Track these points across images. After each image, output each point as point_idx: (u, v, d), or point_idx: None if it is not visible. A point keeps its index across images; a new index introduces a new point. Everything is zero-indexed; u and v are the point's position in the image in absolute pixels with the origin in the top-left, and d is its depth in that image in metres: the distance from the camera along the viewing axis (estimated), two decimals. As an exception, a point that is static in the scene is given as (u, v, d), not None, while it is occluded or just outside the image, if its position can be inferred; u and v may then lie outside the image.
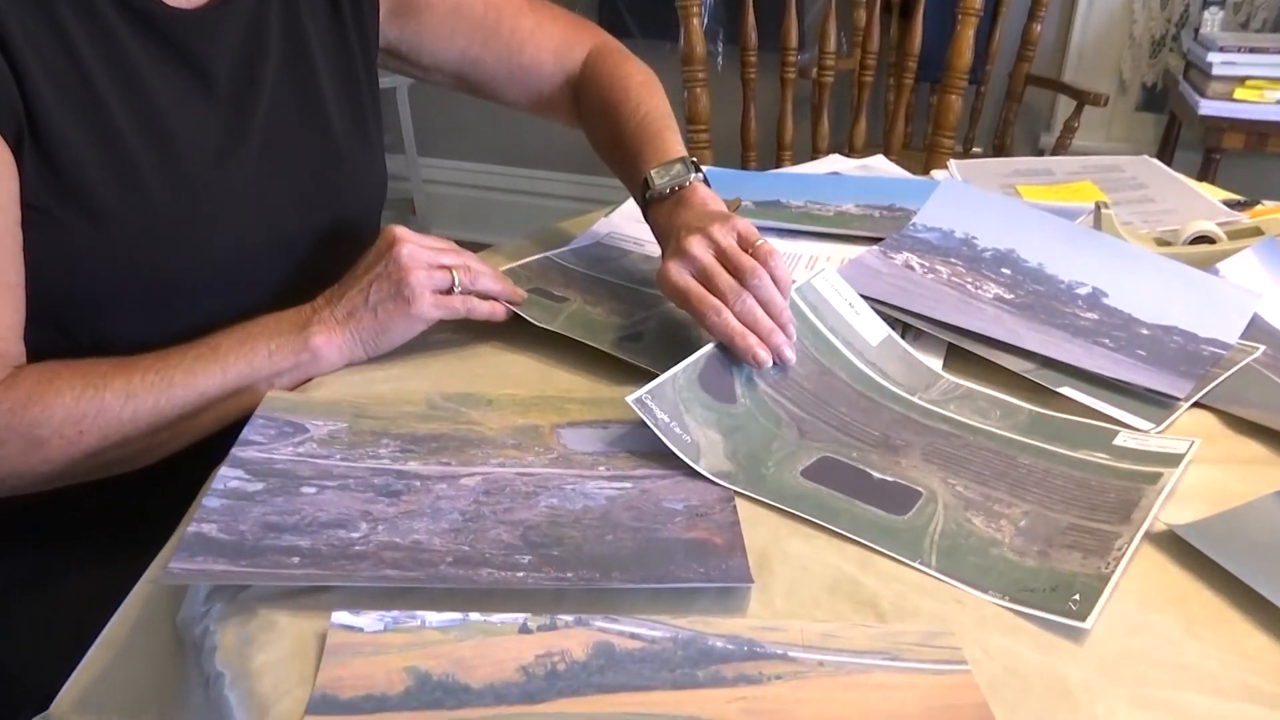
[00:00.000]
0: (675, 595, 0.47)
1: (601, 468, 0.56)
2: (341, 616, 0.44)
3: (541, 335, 0.72)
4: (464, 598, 0.46)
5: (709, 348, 0.61)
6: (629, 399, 0.55)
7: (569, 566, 0.47)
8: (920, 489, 0.55)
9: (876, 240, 0.87)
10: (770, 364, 0.61)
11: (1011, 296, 0.79)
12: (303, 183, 0.72)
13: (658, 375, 0.60)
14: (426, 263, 0.65)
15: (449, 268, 0.66)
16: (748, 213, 0.97)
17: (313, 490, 0.52)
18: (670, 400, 0.57)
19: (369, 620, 0.44)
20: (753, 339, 0.61)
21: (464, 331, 0.73)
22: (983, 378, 0.69)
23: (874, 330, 0.69)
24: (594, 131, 0.87)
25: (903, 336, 0.73)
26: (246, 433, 0.56)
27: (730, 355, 0.61)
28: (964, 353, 0.71)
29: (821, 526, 0.52)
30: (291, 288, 0.71)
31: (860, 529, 0.51)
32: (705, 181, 0.72)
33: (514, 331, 0.73)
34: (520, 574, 0.47)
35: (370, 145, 0.79)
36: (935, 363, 0.70)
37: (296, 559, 0.46)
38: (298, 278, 0.73)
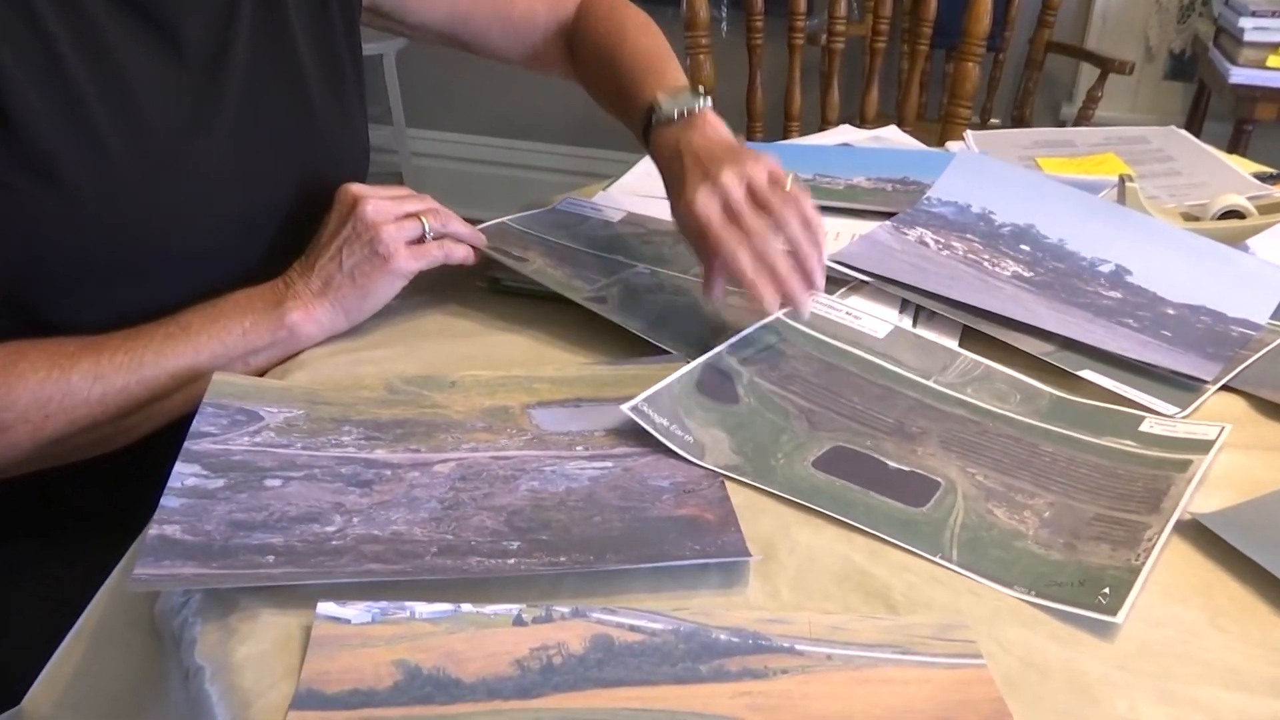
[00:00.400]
0: (675, 580, 0.48)
1: (579, 448, 0.57)
2: (327, 608, 0.44)
3: (519, 313, 0.72)
4: (454, 588, 0.47)
5: (703, 359, 0.62)
6: (624, 408, 0.56)
7: (561, 550, 0.48)
8: (939, 479, 0.55)
9: (889, 215, 0.88)
10: (776, 309, 0.62)
11: (1030, 274, 0.79)
12: (279, 155, 0.73)
13: (631, 331, 0.61)
14: (393, 215, 0.66)
15: (416, 215, 0.68)
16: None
17: (277, 483, 0.52)
18: (668, 407, 0.58)
19: (356, 611, 0.44)
20: (766, 278, 0.61)
21: (447, 312, 0.74)
22: (1000, 361, 0.69)
23: (879, 326, 0.70)
24: (591, 78, 0.87)
25: (915, 317, 0.73)
26: (197, 423, 0.56)
27: (727, 363, 0.63)
28: (980, 335, 0.71)
29: (832, 516, 0.52)
30: (265, 266, 0.71)
31: (877, 522, 0.51)
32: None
33: (499, 310, 0.73)
34: (511, 560, 0.47)
35: (350, 115, 0.79)
36: (951, 342, 0.70)
37: (271, 557, 0.47)
38: (272, 256, 0.73)
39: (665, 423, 0.56)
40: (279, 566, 0.46)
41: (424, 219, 0.68)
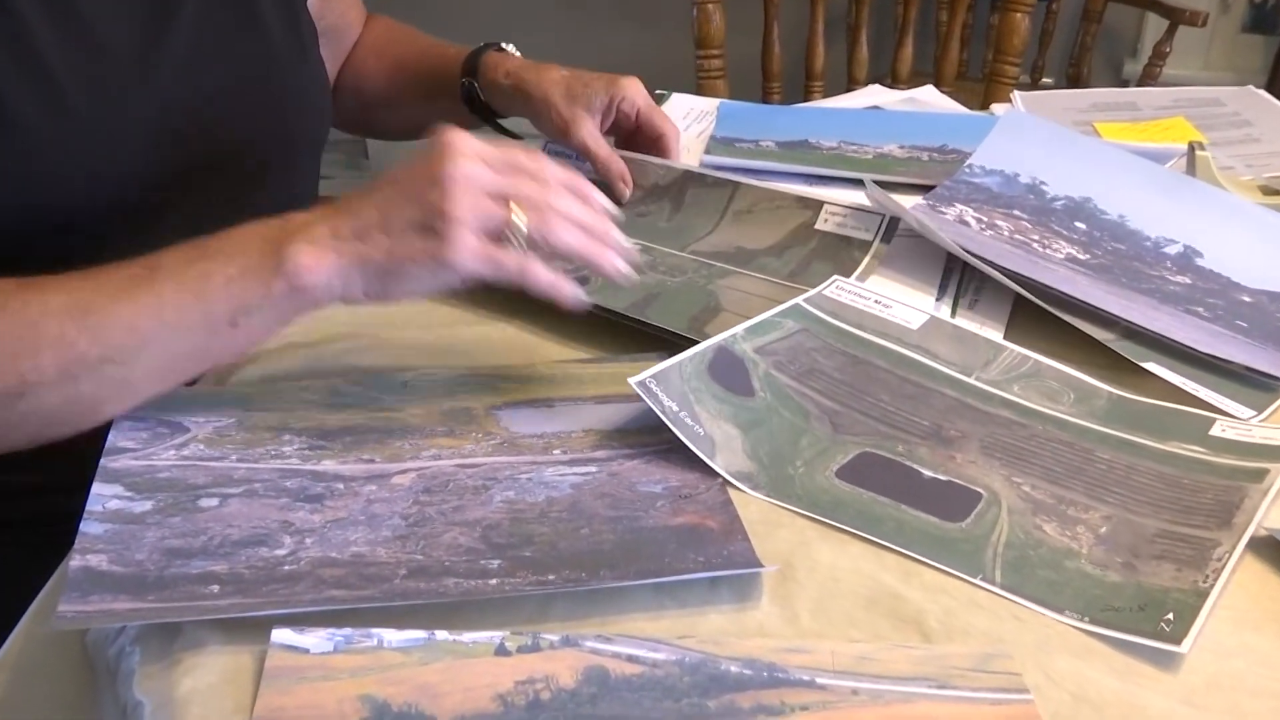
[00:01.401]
0: (679, 602, 0.49)
1: (556, 451, 0.58)
2: (283, 635, 0.45)
3: (506, 301, 0.74)
4: (426, 613, 0.48)
5: (715, 340, 0.63)
6: (632, 380, 0.57)
7: (548, 568, 0.49)
8: (979, 489, 0.56)
9: (925, 189, 0.88)
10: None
11: (1087, 256, 0.80)
12: (235, 92, 0.75)
13: (616, 324, 0.63)
14: (485, 188, 0.55)
15: (513, 201, 0.56)
16: (769, 154, 0.97)
17: (214, 502, 0.53)
18: (678, 388, 0.59)
19: (316, 640, 0.45)
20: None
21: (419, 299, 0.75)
22: (1054, 353, 0.70)
23: (912, 316, 0.71)
24: (390, 75, 0.96)
25: (955, 304, 0.73)
26: (113, 438, 0.57)
27: (741, 349, 0.64)
28: (1030, 324, 0.71)
29: (857, 534, 0.52)
30: (218, 220, 0.73)
31: (909, 540, 0.52)
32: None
33: (480, 297, 0.75)
34: (494, 581, 0.48)
35: (306, 50, 0.82)
36: (996, 333, 0.71)
37: (216, 587, 0.48)
38: (226, 208, 0.74)
39: (674, 407, 0.57)
40: (226, 597, 0.47)
41: (519, 211, 0.56)
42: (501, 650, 0.45)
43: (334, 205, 0.57)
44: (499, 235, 0.55)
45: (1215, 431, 0.62)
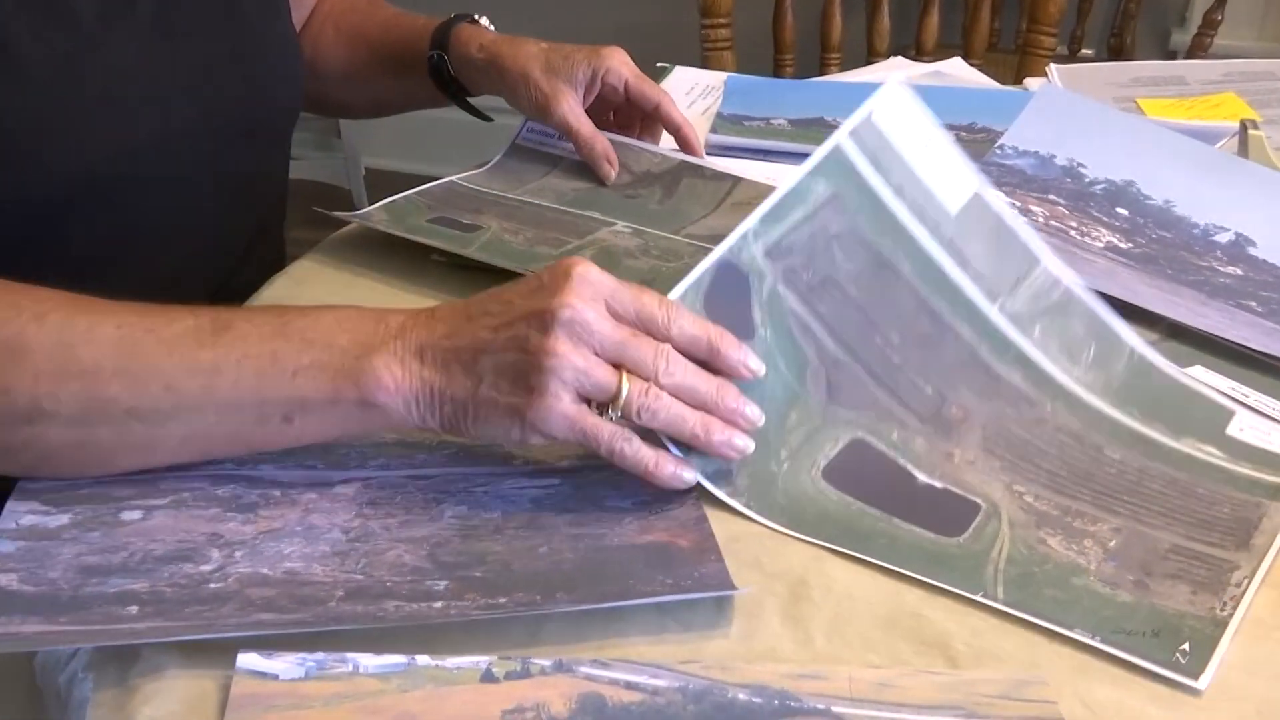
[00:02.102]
0: (683, 624, 0.49)
1: (517, 461, 0.58)
2: (249, 660, 0.45)
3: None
4: (407, 636, 0.48)
5: (721, 249, 0.57)
6: None
7: (499, 590, 0.50)
8: (978, 499, 0.56)
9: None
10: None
11: (1129, 245, 0.80)
12: (203, 61, 0.76)
13: None
14: (600, 344, 0.53)
15: (625, 373, 0.53)
16: (781, 133, 0.97)
17: (137, 515, 0.53)
18: None
19: (285, 665, 0.45)
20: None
21: (394, 290, 0.76)
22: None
23: (956, 186, 0.64)
24: (350, 47, 0.96)
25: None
26: None
27: (751, 253, 0.58)
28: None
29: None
30: (186, 195, 0.73)
31: (902, 558, 0.53)
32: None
33: (459, 288, 0.74)
34: (438, 604, 0.49)
35: (279, 14, 0.83)
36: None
37: (134, 608, 0.47)
38: (192, 182, 0.74)
39: None
40: (144, 620, 0.47)
41: (628, 384, 0.53)
42: (488, 676, 0.45)
43: (435, 315, 0.55)
44: (602, 402, 0.53)
45: (1232, 431, 0.62)
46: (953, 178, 0.66)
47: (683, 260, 0.76)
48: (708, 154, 0.93)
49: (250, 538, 0.52)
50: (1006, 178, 0.86)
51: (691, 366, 0.55)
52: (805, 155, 0.95)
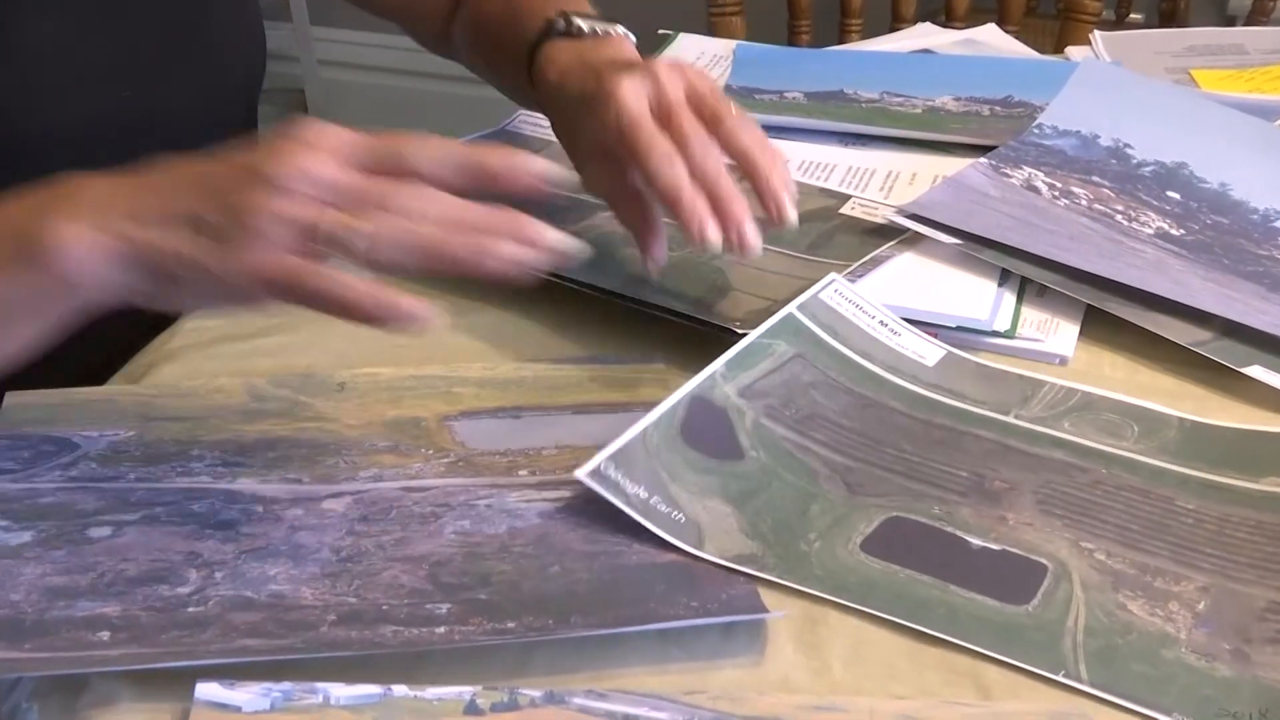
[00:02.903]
0: (687, 651, 0.50)
1: (523, 472, 0.59)
2: (209, 690, 0.45)
3: (470, 285, 0.74)
4: (380, 664, 0.48)
5: (689, 387, 0.62)
6: (579, 474, 0.55)
7: (507, 614, 0.50)
8: (1042, 560, 0.55)
9: (986, 149, 0.88)
10: (719, 245, 0.62)
11: (1181, 232, 0.80)
12: (151, 37, 0.76)
13: (602, 302, 0.63)
14: (323, 195, 0.51)
15: (345, 220, 0.51)
16: (796, 107, 0.98)
17: (106, 531, 0.54)
18: (644, 466, 0.57)
19: (249, 696, 0.46)
20: (704, 205, 0.62)
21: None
22: (1137, 351, 0.70)
23: (926, 350, 0.71)
24: (474, 25, 0.90)
25: (1021, 292, 0.74)
26: None
27: (722, 392, 0.63)
28: (1110, 319, 0.71)
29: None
30: None
31: (966, 630, 0.51)
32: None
33: (442, 281, 0.75)
34: (441, 630, 0.49)
35: None
36: (1070, 331, 0.72)
37: (106, 633, 0.48)
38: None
39: (642, 494, 0.56)
40: (118, 646, 0.47)
41: (352, 225, 0.51)
42: (472, 709, 0.46)
43: (120, 173, 0.54)
44: (307, 247, 0.51)
45: None
46: (915, 344, 0.71)
47: (685, 249, 0.76)
48: None
49: (231, 557, 0.52)
50: (1045, 159, 0.87)
51: (451, 198, 0.53)
52: (823, 133, 0.97)
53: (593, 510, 0.55)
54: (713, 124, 0.65)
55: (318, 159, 0.52)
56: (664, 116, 0.64)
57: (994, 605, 0.53)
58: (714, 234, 0.62)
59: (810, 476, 0.60)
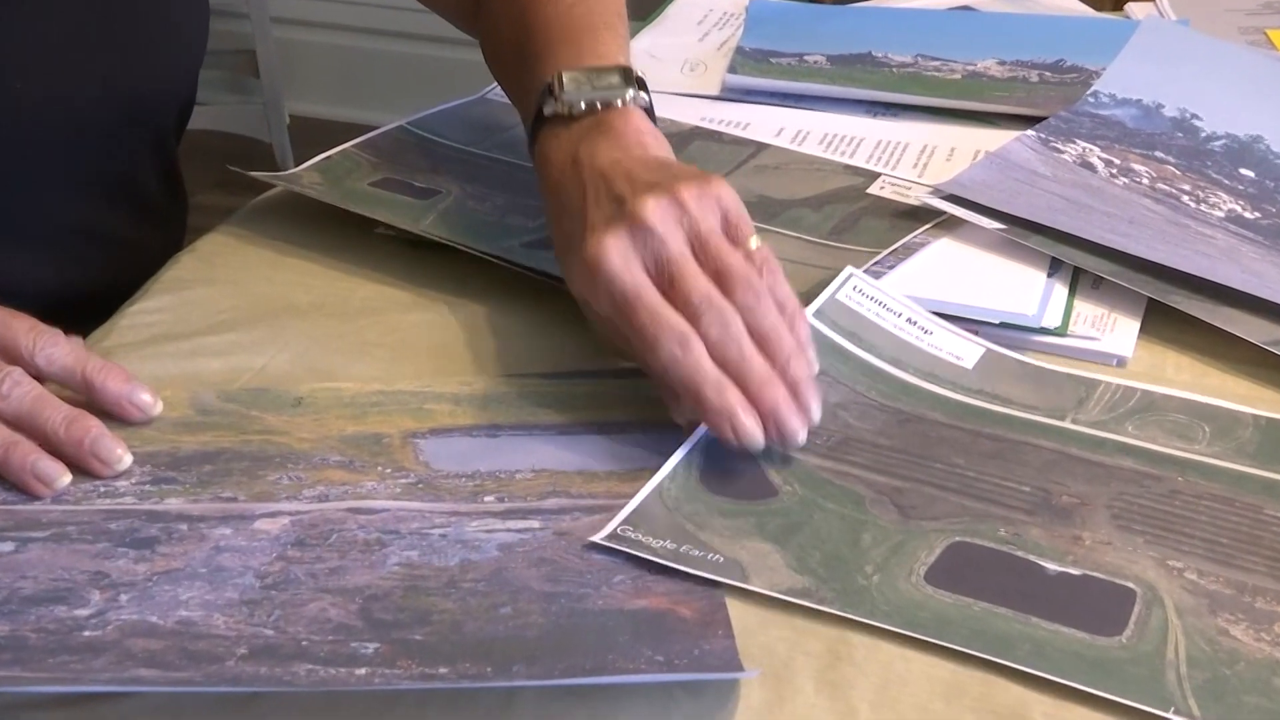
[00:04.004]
0: (693, 691, 0.49)
1: (489, 498, 0.59)
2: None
3: (450, 275, 0.75)
4: (335, 710, 0.48)
5: (701, 431, 0.62)
6: (596, 538, 0.56)
7: (440, 657, 0.49)
8: (1129, 584, 0.55)
9: (1034, 121, 0.89)
10: (760, 443, 0.60)
11: (1255, 215, 0.80)
12: (86, 14, 0.76)
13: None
14: None
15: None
16: (818, 73, 0.98)
17: (9, 547, 0.54)
18: (666, 522, 0.58)
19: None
20: (734, 397, 0.59)
21: (336, 274, 0.76)
22: (1205, 351, 0.71)
23: (963, 348, 0.70)
24: (494, 29, 0.86)
25: (1073, 283, 0.74)
26: None
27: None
28: (1174, 315, 0.72)
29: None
30: (66, 193, 0.75)
31: (1058, 666, 0.51)
32: (650, 113, 0.71)
33: (416, 270, 0.76)
34: (361, 671, 0.49)
35: None
36: (1129, 329, 0.71)
37: None
38: (72, 178, 0.76)
39: (671, 545, 0.56)
40: (2, 668, 0.48)
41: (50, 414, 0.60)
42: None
43: None
44: None
45: None
46: (950, 343, 0.70)
47: None
48: (723, 97, 0.94)
49: (141, 578, 0.53)
50: (1102, 131, 0.87)
51: (41, 393, 0.61)
52: (848, 101, 0.97)
53: (561, 545, 0.55)
54: (725, 284, 0.61)
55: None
56: (667, 282, 0.61)
57: (1083, 638, 0.53)
58: (752, 431, 0.59)
59: (856, 502, 0.60)
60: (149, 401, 0.63)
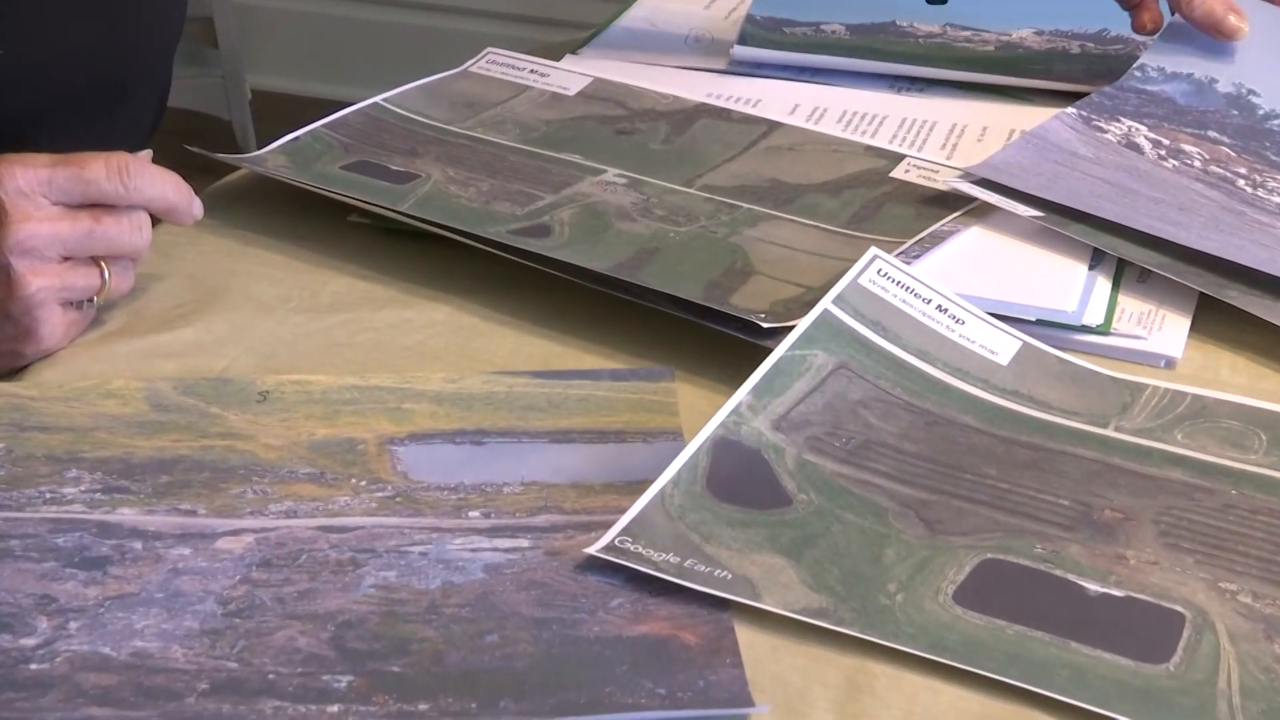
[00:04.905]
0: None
1: (474, 513, 0.59)
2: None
3: (430, 266, 0.75)
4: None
5: (709, 429, 0.62)
6: (591, 550, 0.56)
7: (421, 692, 0.50)
8: (1177, 607, 0.56)
9: (1074, 97, 0.89)
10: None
11: (1319, 202, 0.80)
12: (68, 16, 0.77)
13: (590, 290, 0.64)
14: (64, 251, 0.68)
15: (104, 262, 0.70)
16: (836, 43, 0.98)
17: None
18: (668, 533, 0.58)
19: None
20: None
21: (305, 264, 0.77)
22: (1262, 351, 0.71)
23: (997, 340, 0.71)
24: None
25: (1118, 277, 0.74)
26: None
27: (752, 428, 0.63)
28: (1229, 311, 0.72)
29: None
30: None
31: (1100, 695, 0.51)
32: None
33: (392, 262, 0.76)
34: (334, 708, 0.49)
35: None
36: (1179, 327, 0.72)
37: None
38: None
39: (671, 559, 0.56)
40: None
41: (109, 272, 0.70)
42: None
43: None
44: (85, 297, 0.70)
45: None
46: (984, 334, 0.71)
47: (698, 223, 0.76)
48: (731, 71, 0.94)
49: (93, 604, 0.53)
50: (1149, 109, 0.87)
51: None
52: (870, 75, 0.97)
53: (553, 566, 0.56)
54: None
55: (43, 216, 0.67)
56: None
57: (1127, 665, 0.53)
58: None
59: (878, 514, 0.60)
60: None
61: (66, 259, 0.68)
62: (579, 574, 0.56)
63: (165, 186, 0.70)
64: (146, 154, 0.71)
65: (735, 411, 0.63)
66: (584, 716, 0.49)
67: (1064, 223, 0.76)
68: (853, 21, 1.01)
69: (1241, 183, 0.81)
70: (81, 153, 0.68)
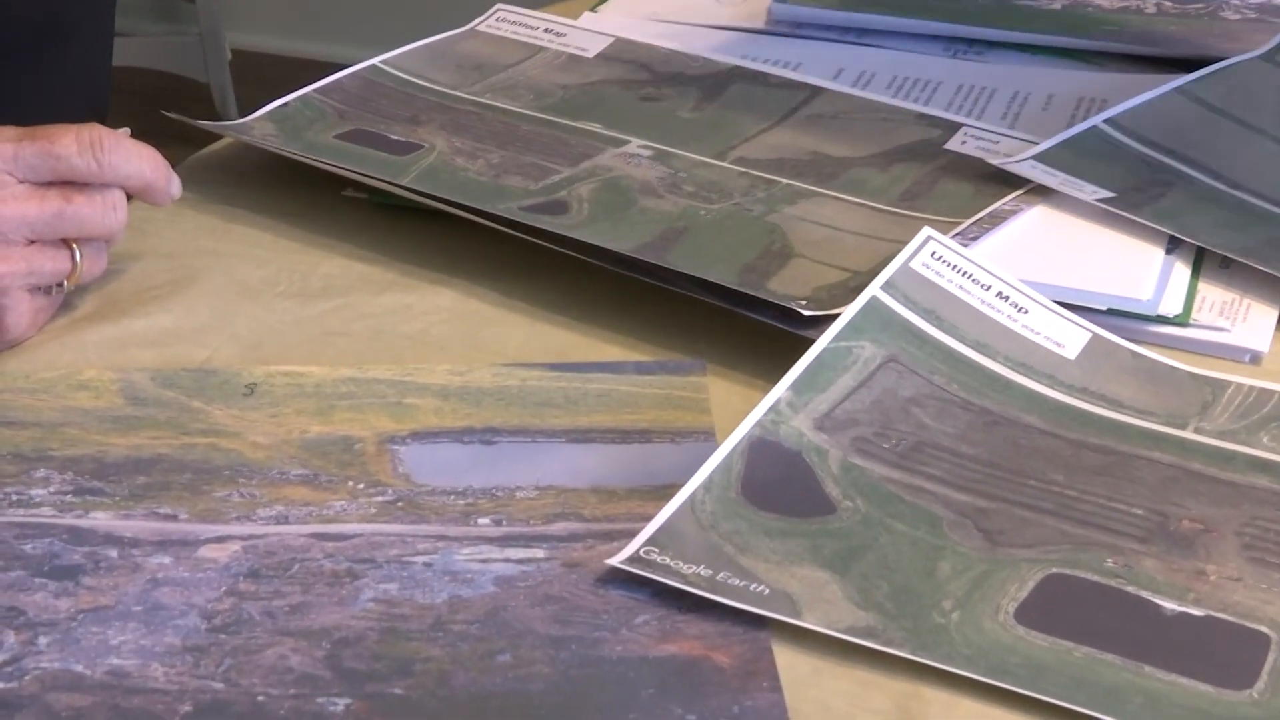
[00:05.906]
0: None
1: (485, 520, 0.59)
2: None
3: (429, 247, 0.75)
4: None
5: (745, 428, 0.63)
6: (613, 561, 0.57)
7: (424, 717, 0.50)
8: (1263, 628, 0.56)
9: (1151, 62, 0.89)
10: None
11: None
12: None
13: (610, 271, 0.65)
14: (29, 234, 0.69)
15: (75, 244, 0.71)
16: (885, 0, 0.98)
17: None
18: (699, 543, 0.58)
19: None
20: None
21: (294, 245, 0.77)
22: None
23: (1064, 331, 0.71)
24: None
25: (1200, 258, 0.74)
26: None
27: (792, 428, 0.64)
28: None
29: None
30: None
31: None
32: None
33: (389, 242, 0.77)
34: None
35: None
36: (1266, 317, 0.72)
37: None
38: None
39: (702, 571, 0.57)
40: None
41: (79, 254, 0.71)
42: None
43: None
44: (54, 282, 0.71)
45: None
46: (1049, 323, 0.71)
47: (731, 200, 0.76)
48: (768, 31, 0.94)
49: (64, 617, 0.53)
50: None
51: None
52: (923, 37, 0.96)
53: (571, 579, 0.56)
54: None
55: (11, 198, 0.68)
56: None
57: (1207, 691, 0.53)
58: None
59: (931, 524, 0.61)
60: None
61: (33, 241, 0.68)
62: (600, 588, 0.56)
63: (142, 163, 0.71)
64: (124, 130, 0.72)
65: (773, 409, 0.63)
66: None
67: (1134, 207, 0.76)
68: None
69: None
70: (51, 125, 0.69)
